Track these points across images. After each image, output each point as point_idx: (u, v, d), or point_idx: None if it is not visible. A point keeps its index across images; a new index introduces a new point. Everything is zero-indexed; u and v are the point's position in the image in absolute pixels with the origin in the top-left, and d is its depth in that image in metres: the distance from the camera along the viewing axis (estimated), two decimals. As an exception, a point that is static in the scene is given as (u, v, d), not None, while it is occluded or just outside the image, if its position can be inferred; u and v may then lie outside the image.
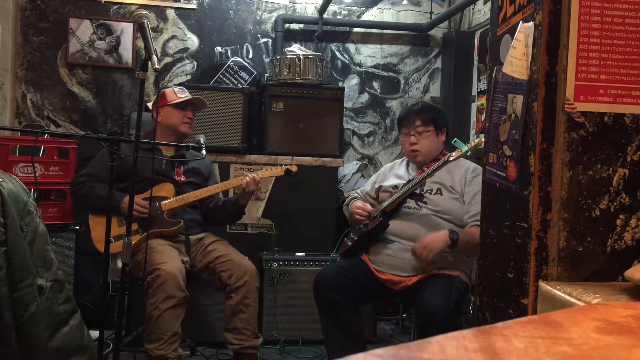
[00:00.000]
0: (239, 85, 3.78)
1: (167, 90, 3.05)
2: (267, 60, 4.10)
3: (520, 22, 1.37)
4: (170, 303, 2.54)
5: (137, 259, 2.64)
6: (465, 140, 3.84)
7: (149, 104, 3.59)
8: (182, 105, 2.96)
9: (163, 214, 2.82)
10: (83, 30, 3.90)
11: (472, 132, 3.92)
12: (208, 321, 3.22)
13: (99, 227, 2.71)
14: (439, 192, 2.63)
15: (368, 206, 2.74)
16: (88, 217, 2.87)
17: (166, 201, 2.84)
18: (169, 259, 2.64)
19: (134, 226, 2.71)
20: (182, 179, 2.95)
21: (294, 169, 2.96)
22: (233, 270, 2.77)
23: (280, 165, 2.98)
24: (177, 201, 2.84)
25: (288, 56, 3.68)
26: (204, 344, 3.17)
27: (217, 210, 3.01)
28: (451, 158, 2.34)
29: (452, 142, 2.32)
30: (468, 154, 2.32)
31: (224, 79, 3.80)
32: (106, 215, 2.33)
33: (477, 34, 3.98)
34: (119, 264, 2.39)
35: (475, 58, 3.98)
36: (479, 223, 2.43)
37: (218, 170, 3.47)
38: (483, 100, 3.62)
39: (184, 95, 2.99)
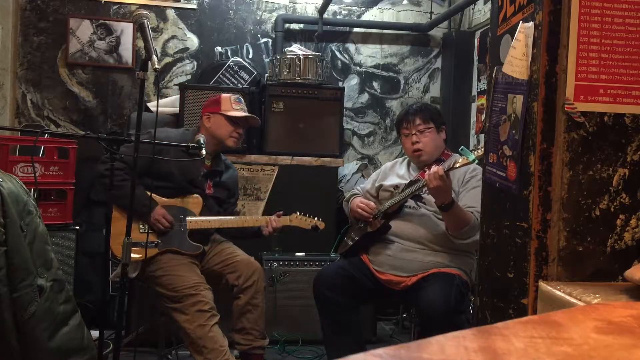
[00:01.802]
0: (239, 85, 3.77)
1: (223, 95, 2.91)
2: (267, 60, 4.11)
3: (520, 22, 1.37)
4: (215, 319, 2.57)
5: (156, 276, 2.63)
6: (466, 141, 3.88)
7: (149, 104, 3.60)
8: (236, 120, 2.85)
9: (186, 233, 2.75)
10: (83, 30, 3.90)
11: (472, 132, 3.92)
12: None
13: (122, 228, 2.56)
14: None
15: (372, 203, 2.71)
16: (112, 211, 2.65)
17: (193, 219, 2.77)
18: (201, 284, 2.62)
19: (153, 237, 2.66)
20: (210, 192, 2.89)
21: (322, 226, 2.92)
22: (241, 270, 2.77)
23: (311, 217, 2.93)
24: (203, 223, 2.78)
25: (288, 56, 3.68)
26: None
27: (235, 229, 2.93)
28: (457, 165, 2.33)
29: (459, 150, 2.31)
30: (475, 163, 2.32)
31: (224, 79, 3.80)
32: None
33: (477, 34, 3.98)
34: (130, 274, 2.36)
35: (475, 58, 3.98)
36: (472, 212, 2.44)
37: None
38: (483, 100, 3.62)
39: (239, 107, 2.88)
